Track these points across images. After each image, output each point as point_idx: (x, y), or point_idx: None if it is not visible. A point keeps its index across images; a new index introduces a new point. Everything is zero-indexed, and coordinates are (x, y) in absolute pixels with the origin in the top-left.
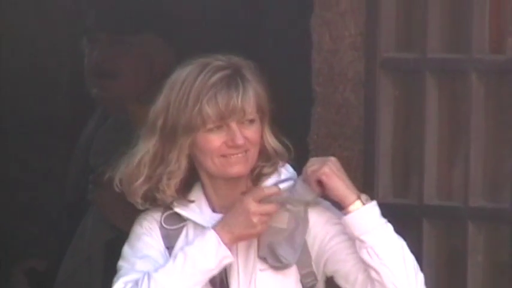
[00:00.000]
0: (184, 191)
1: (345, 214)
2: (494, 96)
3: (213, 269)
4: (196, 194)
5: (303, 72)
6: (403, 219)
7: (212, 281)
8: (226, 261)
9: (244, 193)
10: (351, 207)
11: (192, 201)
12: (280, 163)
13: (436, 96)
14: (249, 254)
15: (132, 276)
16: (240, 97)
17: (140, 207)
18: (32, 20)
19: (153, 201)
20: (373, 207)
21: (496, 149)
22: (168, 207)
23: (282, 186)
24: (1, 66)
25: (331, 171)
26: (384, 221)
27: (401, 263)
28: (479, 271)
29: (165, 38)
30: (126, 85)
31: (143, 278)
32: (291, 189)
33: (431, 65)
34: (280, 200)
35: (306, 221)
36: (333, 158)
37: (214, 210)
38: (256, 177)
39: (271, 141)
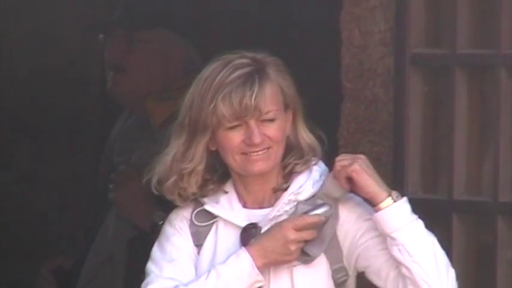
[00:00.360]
0: (220, 183)
1: (376, 211)
2: None
3: None
4: (228, 189)
5: (332, 68)
6: (432, 214)
7: None
8: (257, 285)
9: (275, 190)
10: (382, 204)
11: (227, 192)
12: (313, 160)
13: (465, 92)
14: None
15: (160, 284)
16: (253, 96)
17: (178, 204)
18: (61, 19)
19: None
20: (404, 204)
21: None
22: (199, 203)
23: (320, 211)
24: (27, 66)
25: (361, 169)
26: (414, 217)
27: (433, 259)
28: (509, 266)
29: (185, 35)
30: (136, 80)
31: None
32: (321, 185)
33: (460, 61)
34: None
35: (335, 215)
36: (362, 156)
37: (245, 206)
38: (287, 174)
39: (306, 137)
